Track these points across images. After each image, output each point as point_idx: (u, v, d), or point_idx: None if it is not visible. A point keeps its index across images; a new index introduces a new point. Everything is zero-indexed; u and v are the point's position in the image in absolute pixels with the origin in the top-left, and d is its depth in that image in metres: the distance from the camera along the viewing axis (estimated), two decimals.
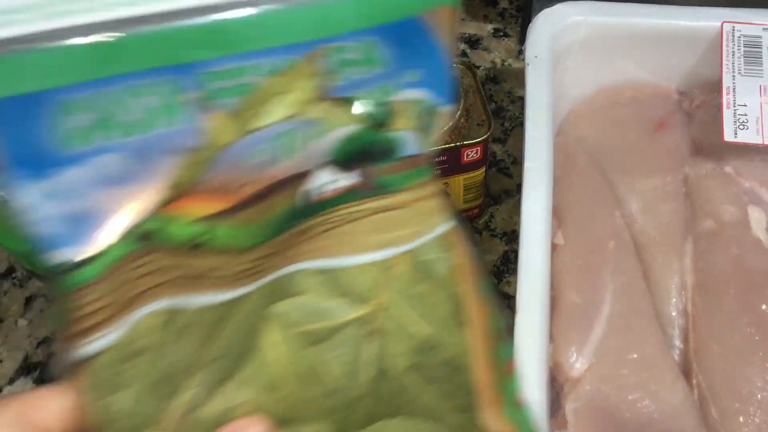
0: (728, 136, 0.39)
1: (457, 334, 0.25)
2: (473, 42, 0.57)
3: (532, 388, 0.32)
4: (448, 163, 0.42)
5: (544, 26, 0.43)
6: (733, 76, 0.41)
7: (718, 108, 0.41)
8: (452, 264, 0.25)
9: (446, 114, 0.27)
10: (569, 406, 0.35)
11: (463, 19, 0.58)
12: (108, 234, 0.21)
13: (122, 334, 0.21)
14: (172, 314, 0.22)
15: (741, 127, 0.40)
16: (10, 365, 0.46)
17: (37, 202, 0.20)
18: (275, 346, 0.23)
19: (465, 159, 0.42)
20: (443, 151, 0.41)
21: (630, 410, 0.35)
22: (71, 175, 0.20)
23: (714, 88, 0.42)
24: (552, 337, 0.37)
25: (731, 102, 0.40)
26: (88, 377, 0.21)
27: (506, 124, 0.53)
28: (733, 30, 0.42)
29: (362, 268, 0.24)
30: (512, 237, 0.48)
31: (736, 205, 0.39)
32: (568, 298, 0.38)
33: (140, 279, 0.21)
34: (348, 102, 0.24)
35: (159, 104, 0.21)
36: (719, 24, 0.42)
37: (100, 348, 0.21)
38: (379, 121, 0.25)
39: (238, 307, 0.23)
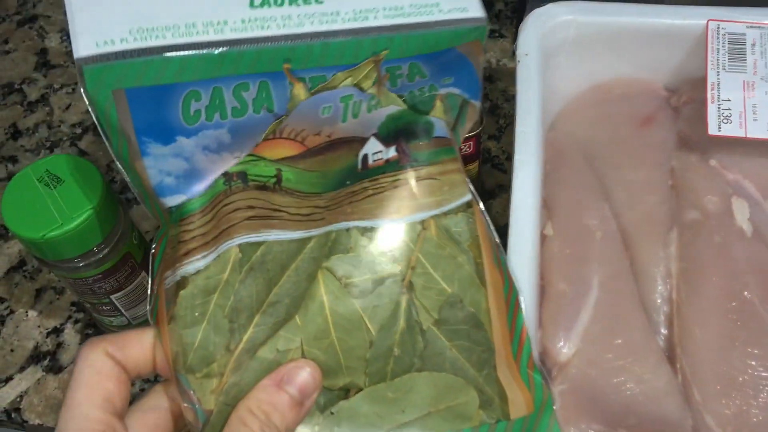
0: (712, 129, 0.41)
1: (476, 294, 0.29)
2: None
3: None
4: None
5: (534, 25, 0.44)
6: (718, 72, 0.42)
7: (704, 103, 0.42)
8: (474, 232, 0.30)
9: (476, 107, 0.33)
10: (556, 389, 0.36)
11: None
12: (209, 182, 0.27)
13: (210, 261, 0.26)
14: (247, 250, 0.27)
15: (725, 121, 0.41)
16: (21, 354, 0.48)
17: (162, 161, 0.27)
18: (324, 297, 0.27)
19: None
20: None
21: (615, 393, 0.36)
22: (188, 143, 0.27)
23: (700, 84, 0.43)
24: (541, 324, 0.39)
25: (715, 97, 0.42)
26: (177, 306, 0.26)
27: (501, 121, 0.55)
28: (718, 28, 0.44)
29: (400, 229, 0.29)
30: (506, 230, 0.49)
31: (719, 196, 0.41)
32: (557, 286, 0.39)
33: (230, 214, 0.27)
34: (397, 95, 0.30)
35: (255, 97, 0.27)
36: (705, 22, 0.44)
37: (195, 270, 0.26)
38: (419, 107, 0.30)
39: (299, 253, 0.28)
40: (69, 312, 0.49)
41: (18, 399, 0.46)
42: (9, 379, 0.47)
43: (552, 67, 0.45)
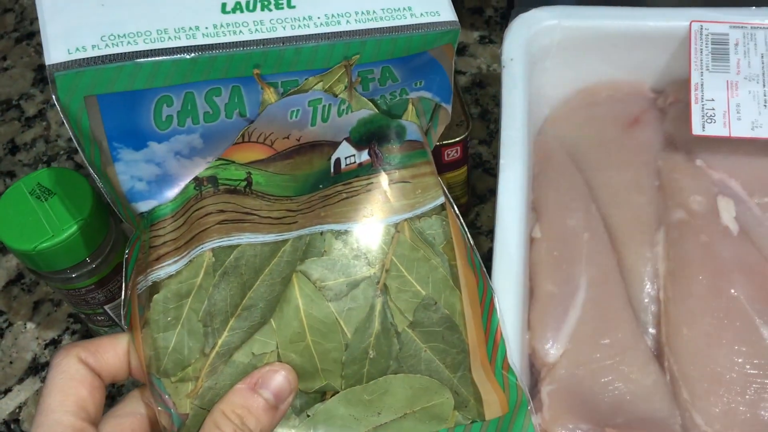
0: (696, 129, 0.41)
1: (451, 296, 0.29)
2: (460, 49, 0.60)
3: None
4: None
5: (519, 31, 0.45)
6: (701, 72, 0.43)
7: (689, 104, 0.42)
8: (447, 234, 0.30)
9: (447, 111, 0.34)
10: (544, 389, 0.37)
11: None
12: (181, 188, 0.28)
13: (183, 266, 0.27)
14: (220, 254, 0.27)
15: (709, 120, 0.41)
16: (20, 365, 0.48)
17: (134, 167, 0.27)
18: (299, 300, 0.27)
19: (446, 158, 0.44)
20: None
21: (603, 392, 0.37)
22: (159, 149, 0.27)
23: (686, 85, 0.43)
24: (529, 325, 0.39)
25: (699, 97, 0.42)
26: (150, 310, 0.26)
27: (491, 126, 0.55)
28: (701, 29, 0.44)
29: (374, 232, 0.29)
30: None
31: (705, 196, 0.41)
32: (545, 288, 0.40)
33: (201, 219, 0.27)
34: (368, 99, 0.30)
35: (228, 102, 0.28)
36: (688, 23, 0.44)
37: (166, 275, 0.26)
38: (391, 111, 0.31)
39: (273, 257, 0.28)
40: (66, 323, 0.50)
41: (17, 410, 0.47)
42: (8, 390, 0.47)
43: (538, 71, 0.46)
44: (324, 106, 0.29)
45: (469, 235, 0.32)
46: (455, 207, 0.31)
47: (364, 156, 0.30)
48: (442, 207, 0.30)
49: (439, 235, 0.30)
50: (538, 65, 0.46)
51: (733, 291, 0.38)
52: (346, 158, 0.29)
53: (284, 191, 0.29)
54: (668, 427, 0.36)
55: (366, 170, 0.30)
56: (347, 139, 0.30)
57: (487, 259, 0.48)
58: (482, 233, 0.50)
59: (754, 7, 0.44)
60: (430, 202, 0.30)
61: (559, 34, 0.46)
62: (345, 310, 0.27)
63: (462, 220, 0.32)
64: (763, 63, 0.42)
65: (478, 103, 0.57)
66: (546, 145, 0.46)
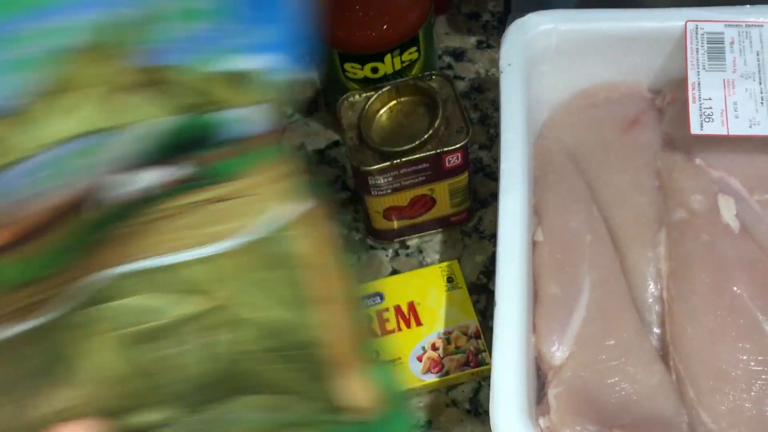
0: (695, 129, 0.41)
1: (307, 312, 0.25)
2: (458, 54, 0.60)
3: (509, 376, 0.34)
4: (432, 170, 0.44)
5: (516, 35, 0.45)
6: (698, 71, 0.43)
7: (686, 103, 0.42)
8: (299, 246, 0.25)
9: (302, 81, 0.26)
10: (551, 392, 0.37)
11: (447, 33, 0.61)
12: None
13: None
14: None
15: (707, 119, 0.42)
16: None
17: None
18: (102, 351, 0.23)
19: (447, 165, 0.44)
20: (426, 159, 0.44)
21: (609, 393, 0.37)
22: None
23: (683, 84, 0.44)
24: (535, 329, 0.39)
25: (696, 96, 0.42)
26: None
27: (491, 131, 0.56)
28: (697, 28, 0.44)
29: (189, 264, 0.23)
30: None
31: (705, 195, 0.41)
32: (549, 291, 0.40)
33: None
34: (162, 81, 0.21)
35: None
36: (683, 23, 0.44)
37: None
38: (202, 102, 0.21)
39: (42, 333, 0.22)
40: None
41: None
42: None
43: (536, 75, 0.46)
44: (75, 155, 0.20)
45: (338, 235, 0.27)
46: (322, 203, 0.26)
47: (172, 174, 0.23)
48: (299, 214, 0.25)
49: (287, 249, 0.24)
50: (536, 69, 0.46)
51: (735, 288, 0.38)
52: (131, 187, 0.22)
53: (46, 269, 0.22)
54: (675, 426, 0.36)
55: (170, 192, 0.23)
56: (139, 163, 0.22)
57: (491, 263, 0.49)
58: (485, 237, 0.51)
59: (748, 6, 0.45)
60: (270, 218, 0.24)
61: (556, 37, 0.46)
62: (169, 350, 0.23)
63: (331, 222, 0.26)
64: (758, 60, 0.43)
65: (477, 108, 0.57)
66: (546, 149, 0.46)
